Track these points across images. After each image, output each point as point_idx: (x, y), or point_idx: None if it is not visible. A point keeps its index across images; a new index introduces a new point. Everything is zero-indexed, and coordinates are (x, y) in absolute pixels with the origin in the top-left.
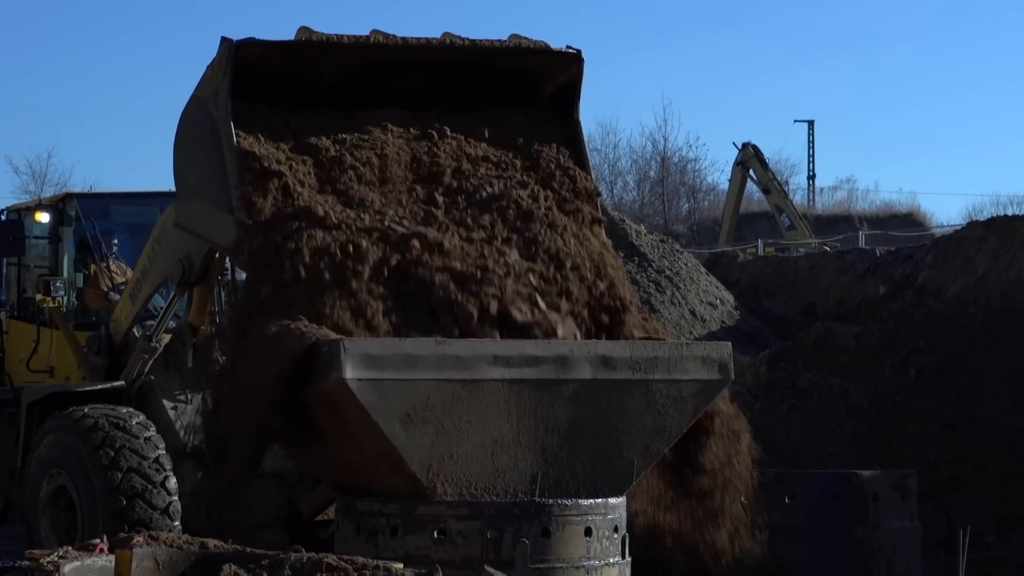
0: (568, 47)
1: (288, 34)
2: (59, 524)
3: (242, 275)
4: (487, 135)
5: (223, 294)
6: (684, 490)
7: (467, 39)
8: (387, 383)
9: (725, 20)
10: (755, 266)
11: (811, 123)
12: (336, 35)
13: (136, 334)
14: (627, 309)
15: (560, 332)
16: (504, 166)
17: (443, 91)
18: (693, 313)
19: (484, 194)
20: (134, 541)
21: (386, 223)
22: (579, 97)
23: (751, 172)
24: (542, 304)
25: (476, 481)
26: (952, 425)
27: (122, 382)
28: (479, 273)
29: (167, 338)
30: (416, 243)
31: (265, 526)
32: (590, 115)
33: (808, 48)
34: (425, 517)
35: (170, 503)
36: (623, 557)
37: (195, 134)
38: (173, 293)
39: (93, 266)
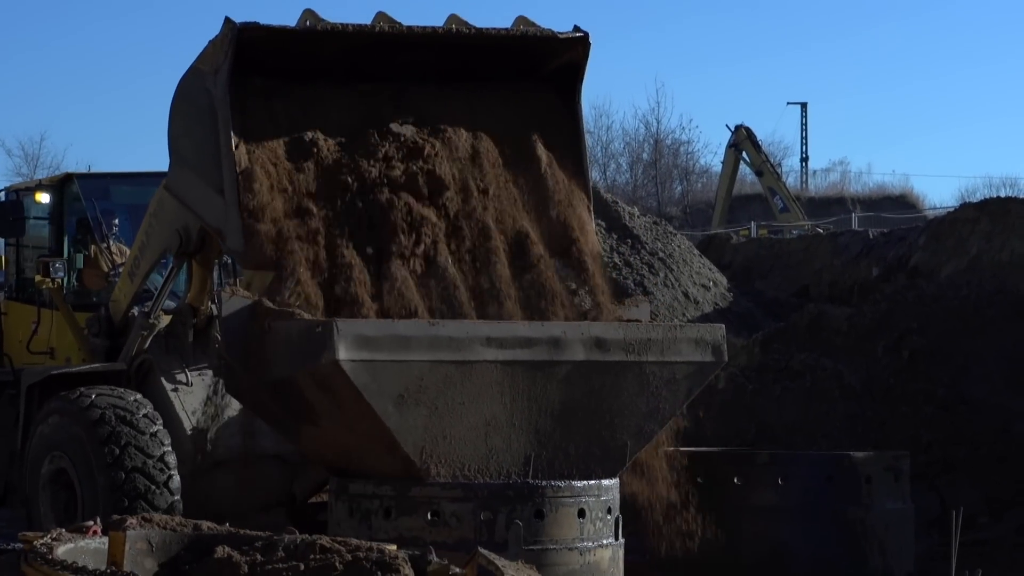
0: (576, 29)
1: (289, 12)
2: (58, 506)
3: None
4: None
5: (222, 275)
6: None
7: (472, 28)
8: (380, 364)
9: (718, 2)
10: (748, 248)
11: (804, 105)
12: (340, 24)
13: (135, 315)
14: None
15: None
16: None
17: (445, 66)
18: (686, 295)
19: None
20: (127, 523)
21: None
22: (582, 79)
23: (744, 154)
24: None
25: (469, 463)
26: (945, 406)
27: (122, 364)
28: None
29: (167, 319)
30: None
31: (266, 508)
32: (583, 97)
33: (801, 30)
34: (418, 499)
35: (173, 503)
36: (616, 539)
37: (192, 104)
38: (171, 266)
39: (93, 247)
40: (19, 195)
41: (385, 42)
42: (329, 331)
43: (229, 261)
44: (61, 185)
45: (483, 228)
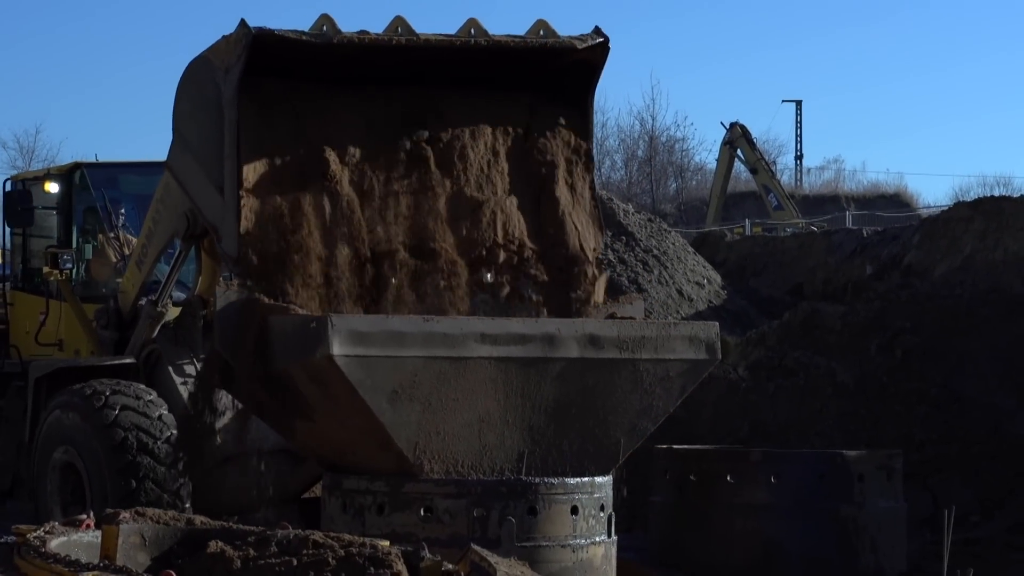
0: (597, 32)
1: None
2: (66, 499)
3: None
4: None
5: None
6: None
7: (490, 37)
8: (374, 360)
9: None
10: (742, 246)
11: (799, 103)
12: (356, 35)
13: (144, 305)
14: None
15: None
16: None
17: (460, 75)
18: (680, 292)
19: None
20: (120, 517)
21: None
22: (597, 80)
23: (739, 152)
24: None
25: (463, 459)
26: (938, 405)
27: (131, 358)
28: None
29: (176, 311)
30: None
31: (276, 502)
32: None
33: (796, 28)
34: (411, 495)
35: (180, 485)
36: (609, 536)
37: (200, 91)
38: (178, 251)
39: (101, 237)
40: (26, 184)
41: (400, 51)
42: (323, 326)
43: None
44: (69, 174)
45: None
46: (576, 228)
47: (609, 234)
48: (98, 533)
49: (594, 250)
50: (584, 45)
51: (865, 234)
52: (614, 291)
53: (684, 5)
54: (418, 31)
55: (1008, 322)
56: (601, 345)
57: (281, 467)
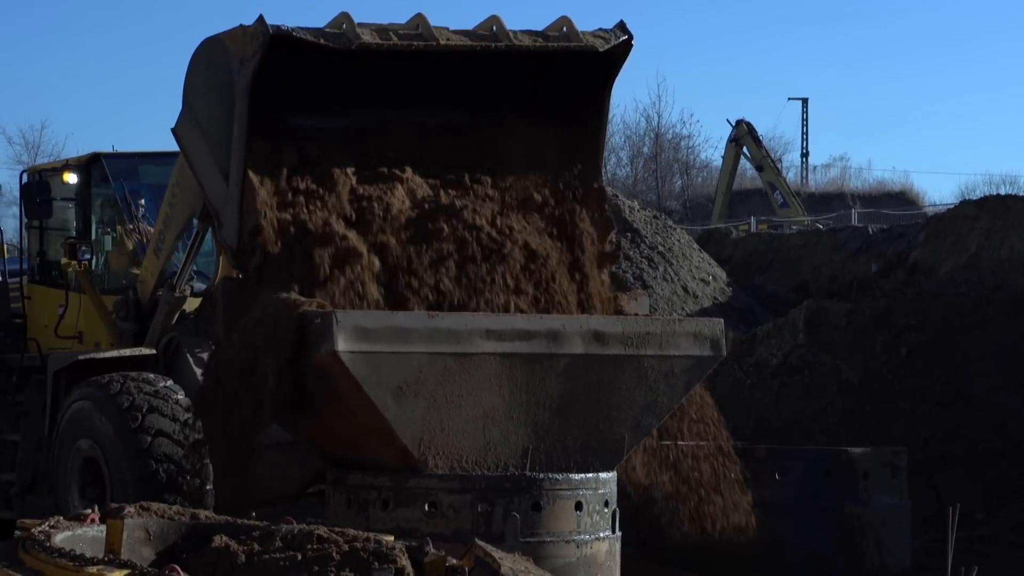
0: (622, 28)
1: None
2: (87, 494)
3: None
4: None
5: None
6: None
7: (511, 38)
8: (379, 356)
9: None
10: (748, 243)
11: (805, 101)
12: (376, 37)
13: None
14: None
15: None
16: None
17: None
18: (685, 289)
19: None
20: (125, 511)
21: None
22: (617, 74)
23: (745, 149)
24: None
25: (467, 455)
26: (942, 403)
27: (151, 349)
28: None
29: (196, 302)
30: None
31: (301, 494)
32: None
33: (803, 26)
34: (416, 490)
35: (204, 492)
36: (613, 532)
37: (212, 71)
38: (196, 232)
39: (120, 228)
40: (43, 176)
41: (417, 55)
42: (328, 322)
43: None
44: (88, 165)
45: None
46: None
47: (614, 231)
48: (103, 528)
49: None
50: (607, 47)
51: (871, 232)
52: (619, 287)
53: (691, 3)
54: (436, 23)
55: (1014, 320)
56: (606, 341)
57: (307, 458)
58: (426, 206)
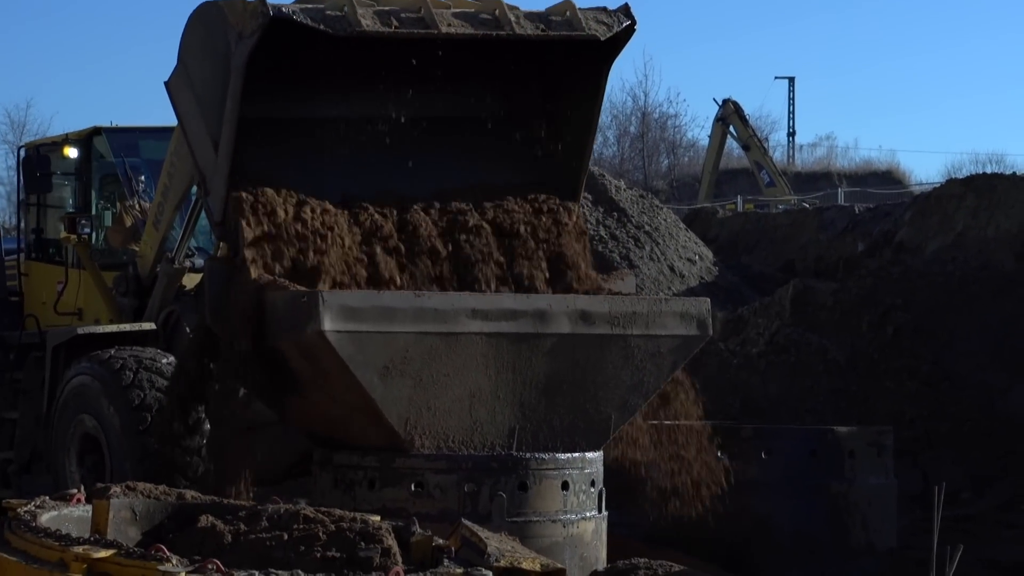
0: (626, 12)
1: None
2: (86, 471)
3: None
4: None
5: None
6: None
7: (513, 24)
8: (365, 335)
9: None
10: (734, 222)
11: (792, 80)
12: (377, 26)
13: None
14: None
15: None
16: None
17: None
18: (672, 269)
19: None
20: (111, 491)
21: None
22: (617, 54)
23: (731, 128)
24: None
25: (454, 434)
26: (928, 382)
27: (152, 324)
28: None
29: (196, 278)
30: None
31: (301, 472)
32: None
33: (790, 5)
34: (402, 470)
35: (202, 445)
36: (600, 511)
37: (209, 36)
38: (194, 202)
39: (120, 204)
40: (41, 151)
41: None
42: (314, 301)
43: None
44: (88, 139)
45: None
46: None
47: (601, 210)
48: (89, 507)
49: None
50: (608, 35)
51: (857, 211)
52: (605, 267)
53: None
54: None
55: (999, 299)
56: (592, 321)
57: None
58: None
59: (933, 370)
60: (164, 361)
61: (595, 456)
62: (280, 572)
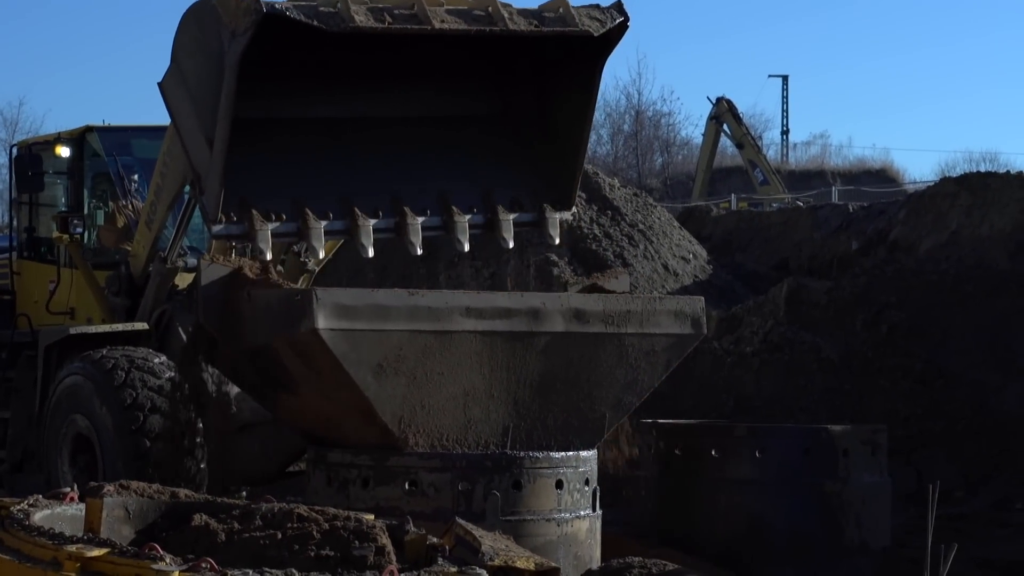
0: (619, 8)
1: None
2: (78, 471)
3: None
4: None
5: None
6: None
7: (506, 21)
8: (359, 333)
9: None
10: (728, 221)
11: (785, 78)
12: (370, 22)
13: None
14: None
15: None
16: None
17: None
18: (666, 267)
19: None
20: (104, 490)
21: None
22: (610, 51)
23: (725, 127)
24: None
25: (448, 433)
26: (923, 381)
27: (144, 324)
28: None
29: (189, 278)
30: None
31: (292, 472)
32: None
33: (783, 3)
34: (396, 469)
35: (198, 471)
36: (594, 510)
37: (202, 34)
38: (187, 201)
39: (112, 203)
40: (34, 150)
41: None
42: (308, 300)
43: None
44: (81, 138)
45: None
46: None
47: (595, 209)
48: (82, 506)
49: None
50: (602, 31)
51: (851, 209)
52: (600, 265)
53: None
54: None
55: (993, 298)
56: (586, 319)
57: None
58: None
59: (927, 369)
60: (156, 361)
61: (589, 455)
62: (274, 571)
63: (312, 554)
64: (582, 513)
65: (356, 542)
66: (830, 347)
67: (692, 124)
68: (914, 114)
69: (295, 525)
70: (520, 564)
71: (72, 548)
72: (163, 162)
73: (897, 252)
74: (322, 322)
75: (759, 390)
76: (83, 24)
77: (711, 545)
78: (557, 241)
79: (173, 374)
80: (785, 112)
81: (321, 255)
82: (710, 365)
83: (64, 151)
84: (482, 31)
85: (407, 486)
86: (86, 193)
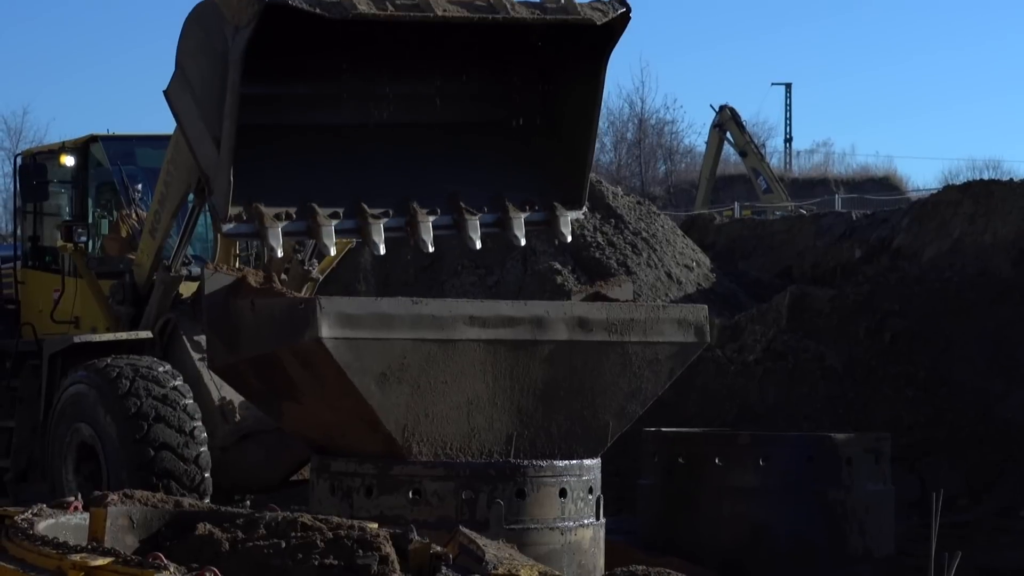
0: (620, 0)
1: None
2: (82, 476)
3: None
4: None
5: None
6: None
7: (509, 9)
8: (363, 342)
9: None
10: (731, 229)
11: (788, 86)
12: (373, 9)
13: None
14: None
15: None
16: None
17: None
18: (669, 275)
19: None
20: (109, 499)
21: None
22: (614, 45)
23: (728, 135)
24: None
25: (451, 441)
26: (926, 389)
27: (148, 332)
28: None
29: (193, 287)
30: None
31: (296, 480)
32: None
33: (786, 11)
34: (400, 477)
35: (199, 454)
36: (597, 519)
37: (206, 35)
38: (191, 209)
39: (117, 213)
40: (38, 159)
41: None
42: (312, 308)
43: None
44: (85, 147)
45: None
46: None
47: (598, 217)
48: (86, 515)
49: None
50: (604, 20)
51: (854, 217)
52: (603, 274)
53: None
54: None
55: (997, 305)
56: (590, 328)
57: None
58: None
59: (930, 376)
60: (161, 370)
61: (593, 463)
62: None
63: (316, 563)
64: (586, 522)
65: (360, 551)
66: (833, 355)
67: (695, 132)
68: (917, 122)
69: (299, 534)
70: (524, 573)
71: (76, 557)
72: (167, 171)
73: (900, 260)
74: (326, 331)
75: (762, 398)
76: (86, 33)
77: (715, 553)
78: (569, 239)
79: (178, 383)
80: (788, 120)
81: (332, 252)
82: (713, 373)
83: (68, 160)
84: (484, 19)
85: (411, 495)
86: (90, 202)
